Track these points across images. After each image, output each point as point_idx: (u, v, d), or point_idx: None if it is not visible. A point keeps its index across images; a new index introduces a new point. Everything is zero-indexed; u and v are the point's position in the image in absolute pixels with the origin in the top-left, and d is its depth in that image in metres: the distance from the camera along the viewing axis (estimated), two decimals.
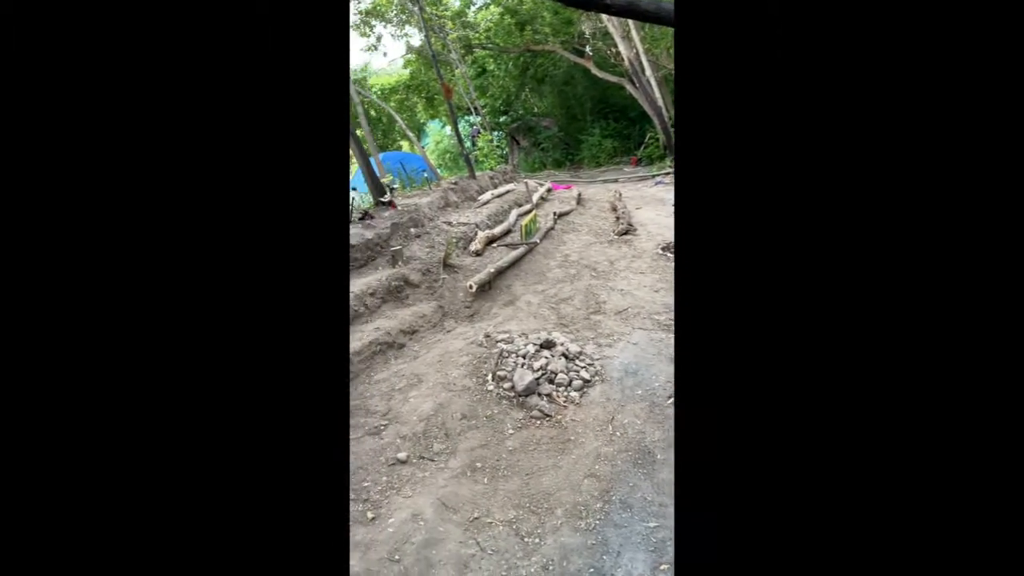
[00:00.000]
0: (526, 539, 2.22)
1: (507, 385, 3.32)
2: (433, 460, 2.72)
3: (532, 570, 2.06)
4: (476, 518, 2.34)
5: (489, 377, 3.38)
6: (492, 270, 5.01)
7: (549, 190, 9.53)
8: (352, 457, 2.72)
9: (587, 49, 13.81)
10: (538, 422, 3.04)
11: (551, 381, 3.35)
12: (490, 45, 13.32)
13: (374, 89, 14.37)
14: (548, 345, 3.68)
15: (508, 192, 8.39)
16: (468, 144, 10.47)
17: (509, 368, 3.45)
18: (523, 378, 3.29)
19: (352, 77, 9.07)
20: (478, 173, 8.94)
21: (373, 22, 12.17)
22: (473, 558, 2.13)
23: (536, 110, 16.64)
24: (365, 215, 5.71)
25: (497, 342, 3.79)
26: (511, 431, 2.97)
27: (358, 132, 7.13)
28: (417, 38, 12.57)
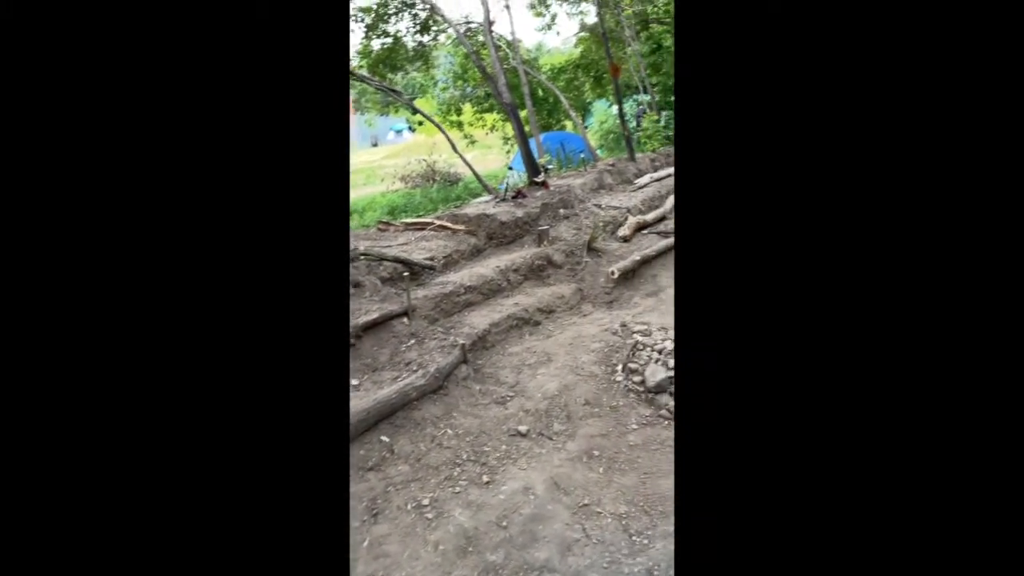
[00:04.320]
0: (634, 537, 2.16)
1: (637, 379, 3.21)
2: (551, 439, 2.77)
3: (636, 570, 2.00)
4: (586, 505, 2.34)
5: (619, 368, 3.30)
6: (638, 257, 4.83)
7: None
8: (477, 422, 2.89)
9: None
10: (665, 422, 2.90)
11: None
12: (668, 20, 12.53)
13: (544, 69, 14.55)
14: None
15: (669, 176, 7.92)
16: (632, 124, 10.06)
17: (642, 362, 3.33)
18: (655, 374, 3.15)
19: (524, 56, 9.29)
20: (639, 155, 8.56)
21: (549, 0, 12.25)
22: (577, 543, 2.14)
23: None
24: (518, 194, 5.89)
25: (633, 333, 3.67)
26: (634, 426, 2.88)
27: (522, 113, 7.32)
28: (592, 15, 12.34)
